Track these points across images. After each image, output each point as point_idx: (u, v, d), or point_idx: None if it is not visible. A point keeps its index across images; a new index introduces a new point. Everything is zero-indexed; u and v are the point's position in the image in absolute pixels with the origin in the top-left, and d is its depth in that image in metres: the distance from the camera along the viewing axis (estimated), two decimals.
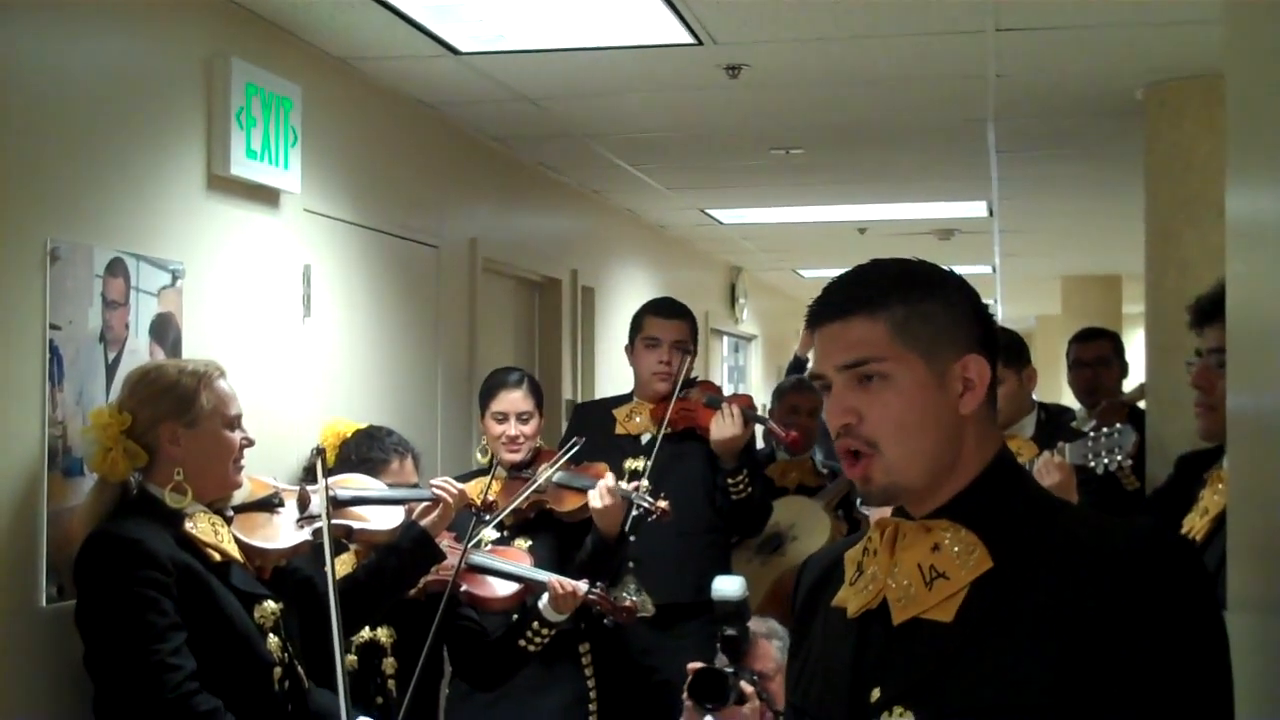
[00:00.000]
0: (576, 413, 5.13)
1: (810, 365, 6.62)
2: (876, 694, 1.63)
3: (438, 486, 3.44)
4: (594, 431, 4.62)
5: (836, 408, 1.69)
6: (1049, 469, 3.58)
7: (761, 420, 4.81)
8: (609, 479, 3.97)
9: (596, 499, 3.93)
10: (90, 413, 3.00)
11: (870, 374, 1.67)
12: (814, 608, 1.82)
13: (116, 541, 2.80)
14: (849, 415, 1.67)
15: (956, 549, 1.64)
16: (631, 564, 4.32)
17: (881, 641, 1.66)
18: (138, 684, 2.73)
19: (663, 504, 4.00)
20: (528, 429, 4.14)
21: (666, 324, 4.71)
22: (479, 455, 4.31)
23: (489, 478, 3.95)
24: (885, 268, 1.74)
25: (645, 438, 4.66)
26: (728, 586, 2.78)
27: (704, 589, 4.53)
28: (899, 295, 1.69)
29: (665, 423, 4.57)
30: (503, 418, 4.13)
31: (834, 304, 1.72)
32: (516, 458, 4.13)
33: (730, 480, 4.54)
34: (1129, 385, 5.99)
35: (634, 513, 4.01)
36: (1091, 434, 3.67)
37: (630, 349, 4.79)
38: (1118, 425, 3.70)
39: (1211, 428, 3.15)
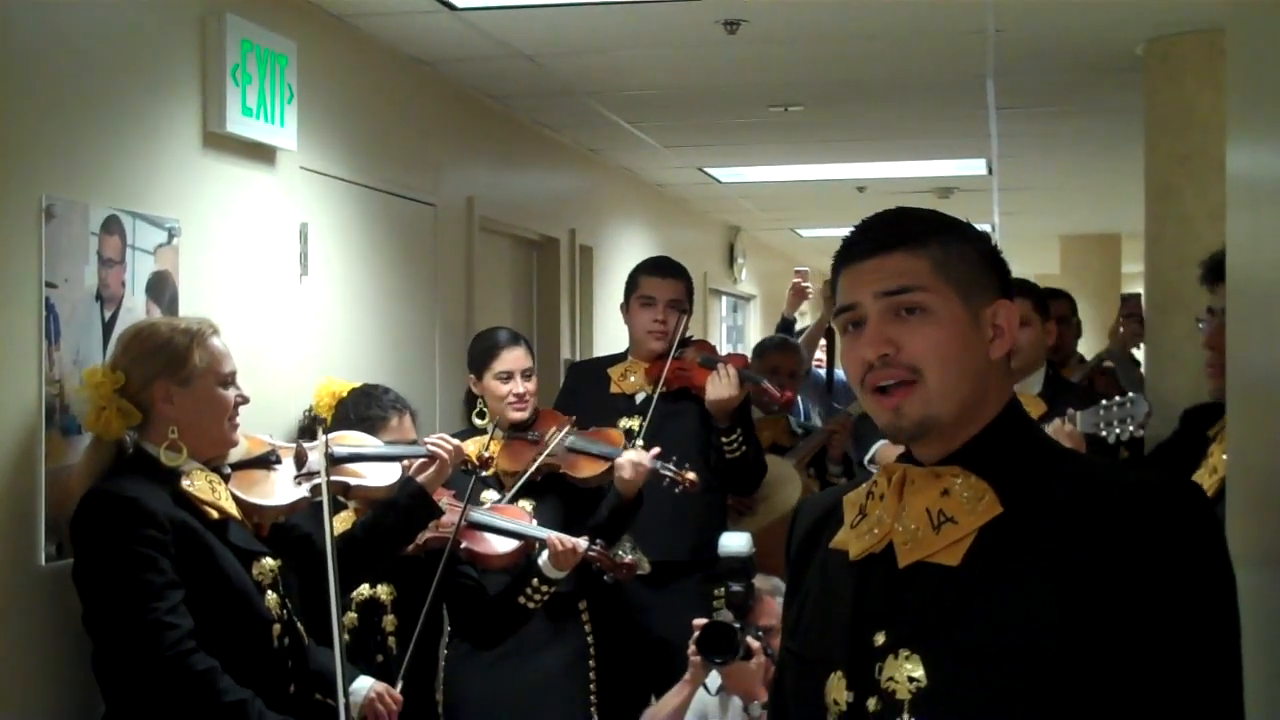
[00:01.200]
0: (571, 372, 5.14)
1: (782, 318, 6.63)
2: (881, 638, 1.62)
3: (433, 443, 3.43)
4: (589, 390, 4.64)
5: (874, 337, 1.66)
6: (1060, 437, 3.58)
7: (755, 380, 4.83)
8: (636, 452, 4.01)
9: (627, 470, 3.96)
10: (84, 371, 3.00)
11: (911, 305, 1.65)
12: (810, 551, 1.81)
13: (113, 500, 2.79)
14: (887, 345, 1.65)
15: (966, 494, 1.63)
16: None
17: (884, 585, 1.65)
18: (134, 642, 2.73)
19: (690, 475, 4.02)
20: (531, 385, 4.16)
21: (662, 283, 4.72)
22: (475, 419, 4.29)
23: (488, 437, 3.96)
24: (918, 211, 1.75)
25: (640, 397, 4.68)
26: (734, 543, 2.78)
27: (700, 547, 4.65)
28: (937, 235, 1.69)
29: (661, 381, 4.59)
30: (507, 376, 4.14)
31: (873, 239, 1.70)
32: (523, 415, 4.15)
33: (725, 440, 4.56)
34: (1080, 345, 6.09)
35: (662, 484, 4.02)
36: (1104, 402, 3.69)
37: (625, 308, 4.80)
38: (1130, 395, 3.72)
39: (1223, 387, 3.15)
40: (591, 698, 4.24)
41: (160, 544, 2.75)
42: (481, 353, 4.23)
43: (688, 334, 4.75)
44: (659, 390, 4.60)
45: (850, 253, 1.72)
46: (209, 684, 2.73)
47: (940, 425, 1.65)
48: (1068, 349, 5.75)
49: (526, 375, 4.16)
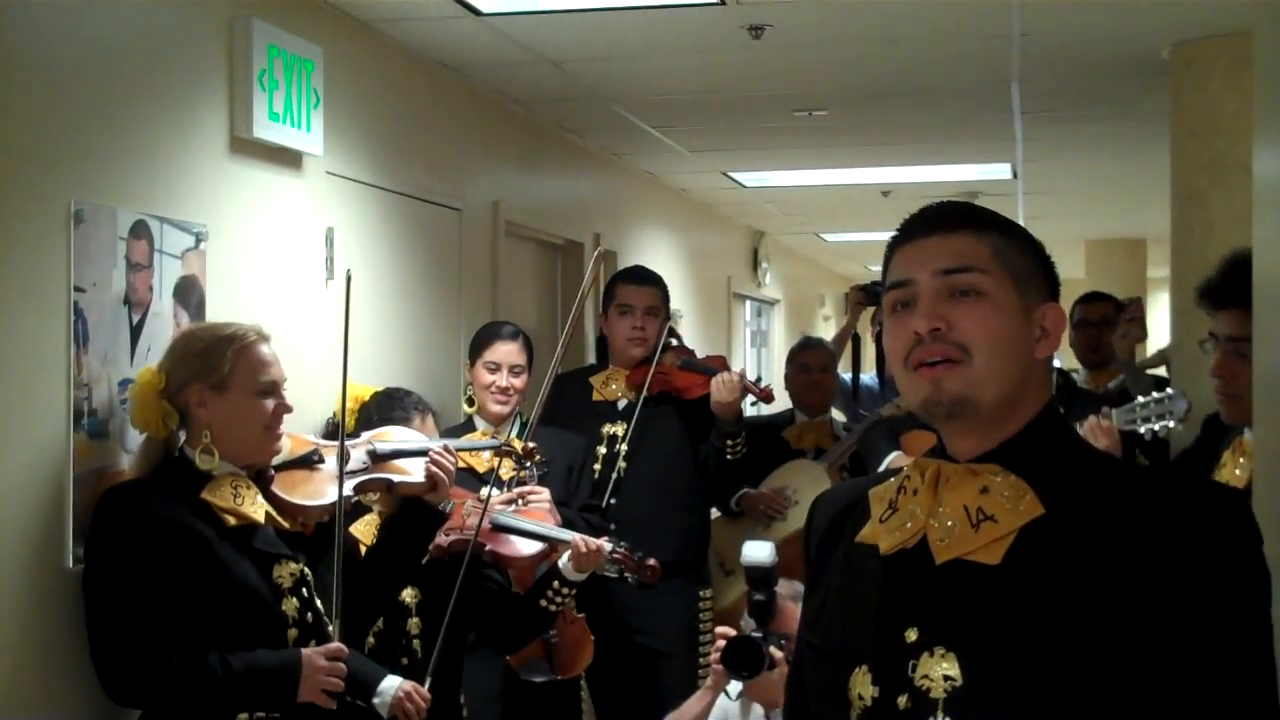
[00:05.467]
0: (555, 382, 5.18)
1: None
2: (913, 634, 1.60)
3: (434, 463, 3.35)
4: (572, 398, 4.74)
5: (927, 311, 1.64)
6: (1096, 434, 3.58)
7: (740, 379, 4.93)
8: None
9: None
10: (140, 369, 3.06)
11: (968, 287, 1.64)
12: (832, 545, 1.79)
13: (121, 499, 2.88)
14: (939, 321, 1.63)
15: (1006, 493, 1.61)
16: (613, 526, 4.40)
17: (918, 581, 1.63)
18: (104, 642, 2.82)
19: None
20: (518, 382, 4.26)
21: (638, 291, 4.83)
22: (465, 405, 4.42)
23: (514, 430, 4.00)
24: (977, 205, 1.75)
25: (622, 403, 4.80)
26: (757, 552, 2.74)
27: (685, 549, 4.81)
28: (998, 227, 1.69)
29: (646, 387, 4.71)
30: (495, 367, 4.25)
31: (937, 220, 1.70)
32: (503, 410, 4.23)
33: (730, 442, 4.65)
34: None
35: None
36: (1140, 399, 3.68)
37: (604, 317, 4.89)
38: (1168, 390, 3.69)
39: (1235, 414, 3.12)
40: (581, 693, 4.38)
41: (155, 548, 2.81)
42: (479, 340, 4.38)
43: (669, 339, 4.85)
44: (643, 395, 4.71)
45: (910, 231, 1.71)
46: (164, 671, 2.79)
47: (976, 409, 1.63)
48: (1108, 352, 5.67)
49: (515, 371, 4.26)
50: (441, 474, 3.31)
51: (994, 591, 1.58)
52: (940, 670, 1.57)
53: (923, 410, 1.67)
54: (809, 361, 5.74)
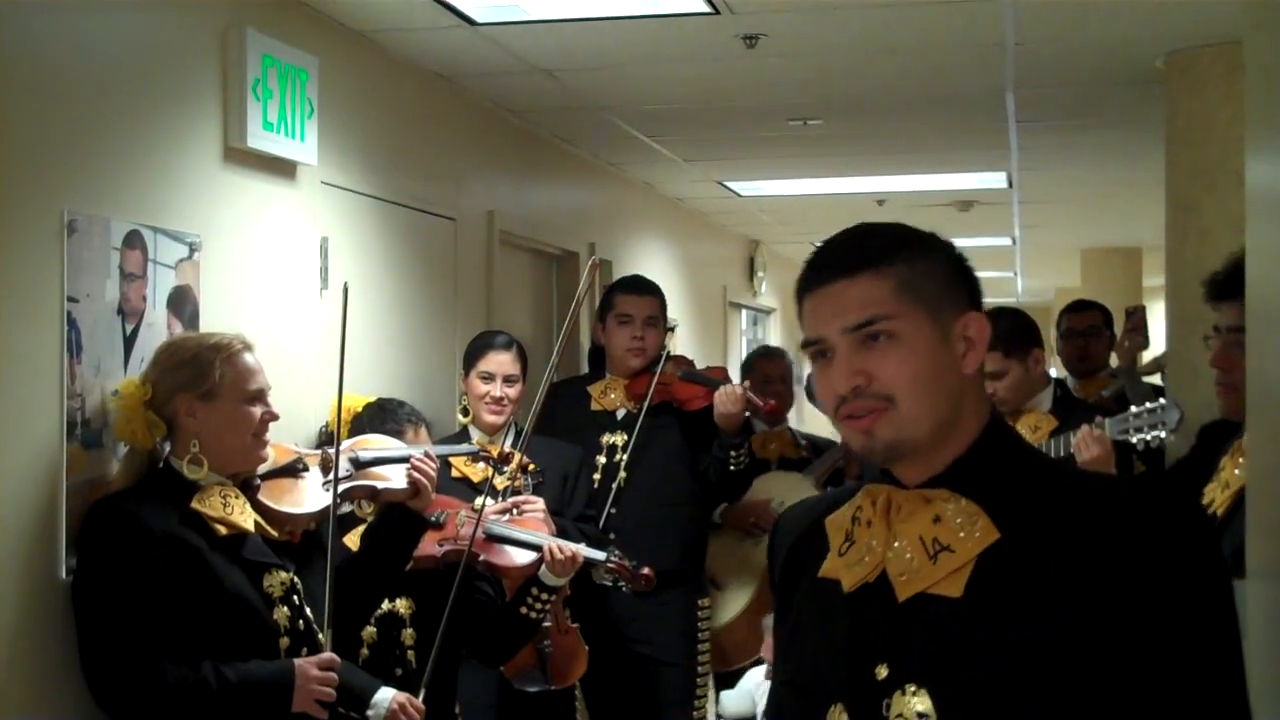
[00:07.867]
0: (550, 392, 5.18)
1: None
2: (884, 671, 1.57)
3: (416, 467, 3.35)
4: (569, 408, 4.73)
5: (844, 370, 1.61)
6: (1088, 443, 3.58)
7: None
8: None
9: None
10: (120, 382, 3.05)
11: (878, 333, 1.61)
12: (796, 575, 1.76)
13: (112, 511, 2.87)
14: (858, 377, 1.60)
15: (959, 520, 1.58)
16: (612, 535, 4.41)
17: (883, 617, 1.60)
18: (95, 653, 2.83)
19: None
20: (512, 392, 4.27)
21: (638, 300, 4.83)
22: (460, 415, 4.43)
23: (509, 439, 4.01)
24: (879, 228, 1.70)
25: (621, 413, 4.81)
26: (737, 704, 2.78)
27: (685, 557, 4.82)
28: (903, 253, 1.64)
29: (649, 397, 4.72)
30: (489, 378, 4.26)
31: (836, 264, 1.65)
32: (498, 420, 4.25)
33: (734, 453, 4.64)
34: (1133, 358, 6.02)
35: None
36: (1134, 409, 3.68)
37: (601, 326, 4.88)
38: (1161, 401, 3.69)
39: (1233, 406, 3.13)
40: (576, 704, 4.39)
41: (149, 561, 2.80)
42: (473, 350, 4.40)
43: (665, 349, 4.86)
44: (646, 405, 4.72)
45: (811, 279, 1.67)
46: (158, 683, 2.78)
47: (914, 448, 1.62)
48: (1096, 360, 5.68)
49: (509, 381, 4.29)
50: (423, 480, 3.31)
51: (959, 624, 1.55)
52: (914, 707, 1.54)
53: (862, 456, 1.66)
54: (770, 372, 5.73)
